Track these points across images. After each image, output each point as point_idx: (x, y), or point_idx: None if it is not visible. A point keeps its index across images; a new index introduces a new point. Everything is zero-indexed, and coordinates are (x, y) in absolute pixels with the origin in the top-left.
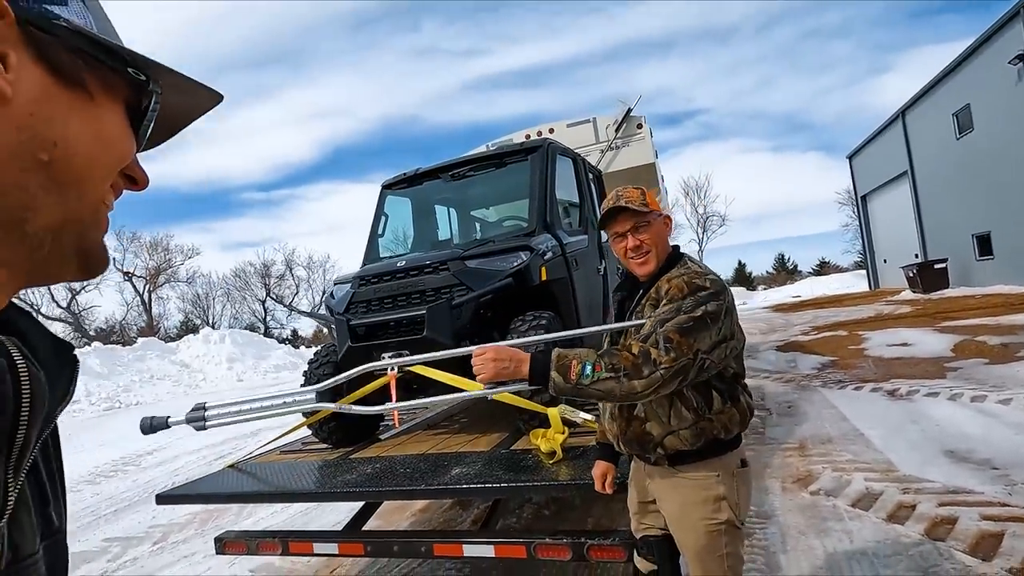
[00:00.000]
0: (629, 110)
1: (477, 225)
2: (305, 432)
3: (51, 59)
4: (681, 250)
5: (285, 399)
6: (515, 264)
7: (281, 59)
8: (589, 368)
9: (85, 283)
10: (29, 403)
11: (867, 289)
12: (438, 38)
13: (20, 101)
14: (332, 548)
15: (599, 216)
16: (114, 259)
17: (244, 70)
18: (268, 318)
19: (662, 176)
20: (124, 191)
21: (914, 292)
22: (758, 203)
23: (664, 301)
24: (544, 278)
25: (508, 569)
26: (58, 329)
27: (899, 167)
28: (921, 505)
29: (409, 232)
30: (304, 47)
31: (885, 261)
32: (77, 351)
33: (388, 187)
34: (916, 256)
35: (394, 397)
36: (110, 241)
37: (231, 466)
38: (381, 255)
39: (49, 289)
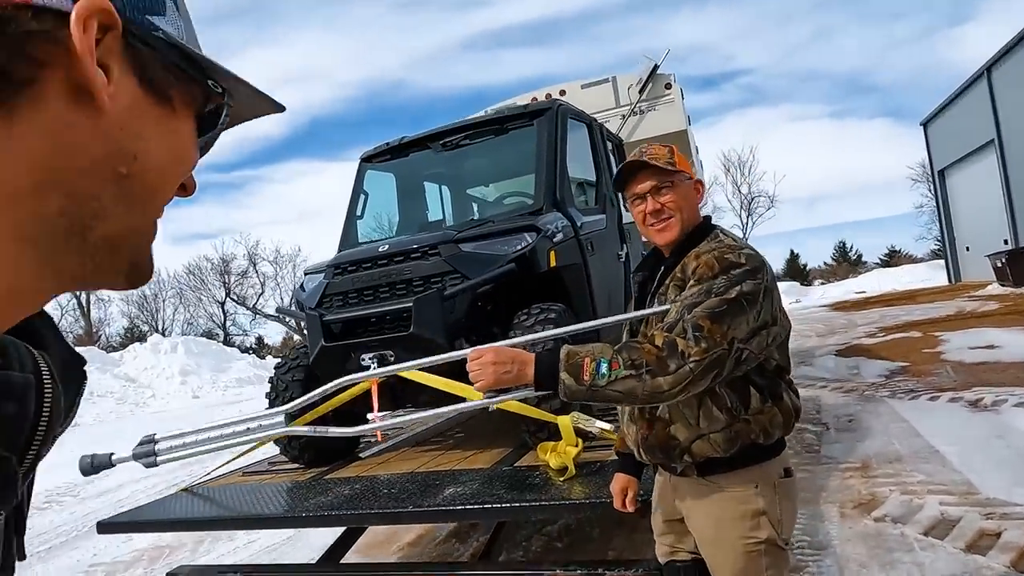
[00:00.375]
0: (655, 67)
1: (475, 205)
2: (272, 450)
3: (146, 72)
4: (714, 221)
5: (249, 424)
6: (518, 248)
7: (242, 13)
8: (605, 366)
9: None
10: (44, 428)
11: (946, 283)
12: None
13: (114, 113)
14: None
15: (615, 173)
16: None
17: (198, 25)
18: (228, 323)
19: (696, 147)
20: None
21: (1002, 285)
22: (814, 181)
23: (692, 282)
24: (553, 264)
25: None
26: None
27: (984, 135)
28: (1007, 532)
29: (394, 213)
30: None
31: (968, 249)
32: None
33: (368, 160)
34: (1005, 243)
35: (376, 407)
36: None
37: (185, 490)
38: (360, 240)
39: None
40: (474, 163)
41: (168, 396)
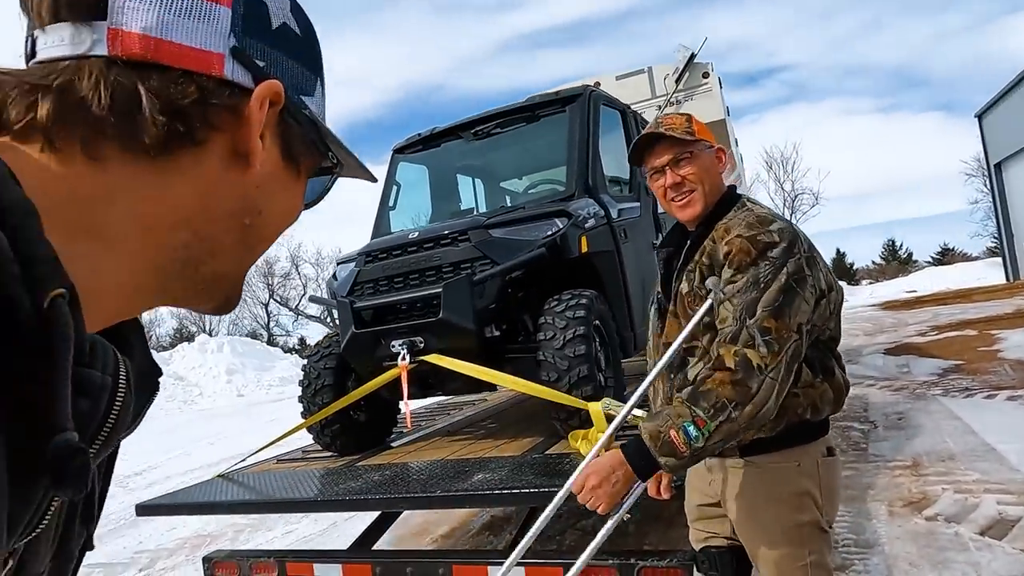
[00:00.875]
0: (692, 56)
1: (507, 198)
2: (307, 439)
3: (289, 143)
4: (739, 191)
5: None
6: (549, 233)
7: None
8: (692, 429)
9: None
10: (109, 430)
11: (1003, 281)
12: None
13: (256, 174)
14: (336, 570)
15: (631, 146)
16: None
17: None
18: (272, 324)
19: (736, 139)
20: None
21: None
22: (861, 178)
23: (729, 269)
24: (584, 250)
25: None
26: None
27: None
28: None
29: (426, 204)
30: (312, 5)
31: None
32: None
33: (400, 151)
34: None
35: (406, 393)
36: None
37: (221, 476)
38: (393, 231)
39: None
40: (506, 151)
41: (215, 394)
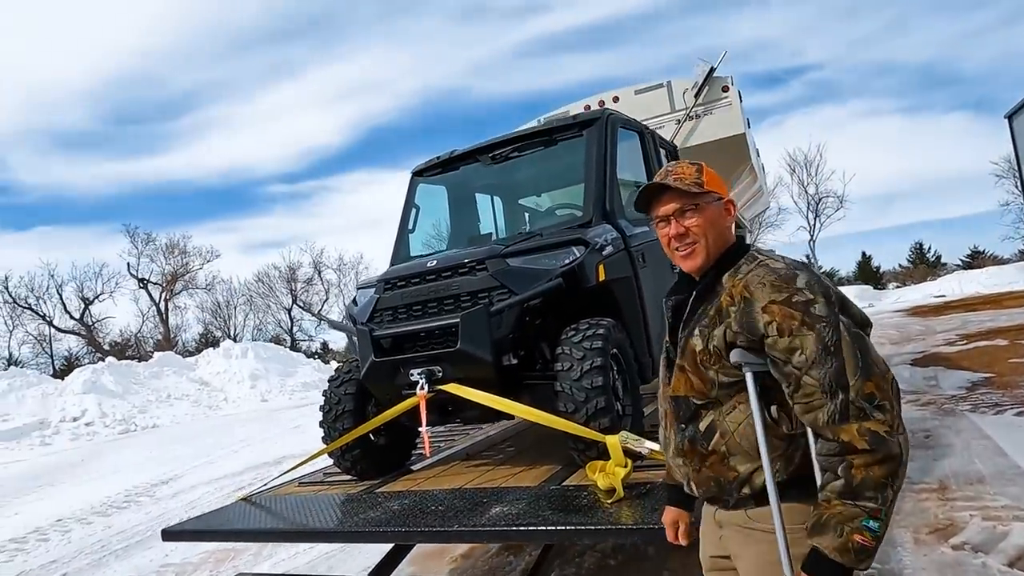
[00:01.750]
0: (712, 70)
1: (526, 216)
2: (327, 460)
3: None
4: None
5: None
6: (566, 262)
7: (307, 30)
8: (872, 523)
9: (99, 292)
10: None
11: None
12: None
13: None
14: None
15: (637, 194)
16: (128, 264)
17: (266, 45)
18: (295, 329)
19: (757, 150)
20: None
21: None
22: (887, 180)
23: (783, 339)
24: (602, 278)
25: None
26: (71, 342)
27: None
28: None
29: (445, 226)
30: (333, 14)
31: None
32: (92, 367)
33: (419, 173)
34: None
35: (424, 421)
36: (125, 244)
37: (244, 499)
38: (412, 254)
39: (62, 299)
40: (524, 175)
41: (239, 400)
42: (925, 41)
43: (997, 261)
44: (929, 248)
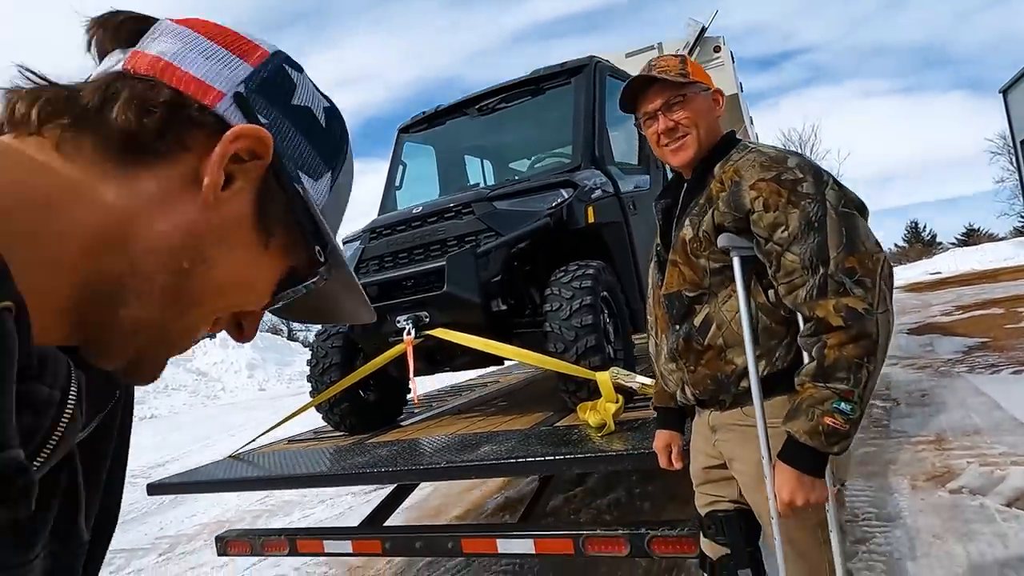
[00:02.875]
0: (703, 29)
1: (514, 169)
2: (318, 421)
3: (263, 204)
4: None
5: None
6: (554, 204)
7: (299, 19)
8: (844, 404)
9: None
10: (54, 444)
11: None
12: None
13: (214, 215)
14: (345, 546)
15: (621, 92)
16: None
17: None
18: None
19: (750, 117)
20: (223, 329)
21: None
22: (883, 160)
23: (768, 214)
24: (591, 220)
25: (559, 570)
26: None
27: None
28: None
29: (433, 183)
30: (325, 4)
31: None
32: None
33: (405, 130)
34: None
35: (411, 368)
36: None
37: (232, 456)
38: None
39: None
40: (512, 126)
41: (237, 389)
42: (920, 21)
43: (993, 239)
44: (924, 227)
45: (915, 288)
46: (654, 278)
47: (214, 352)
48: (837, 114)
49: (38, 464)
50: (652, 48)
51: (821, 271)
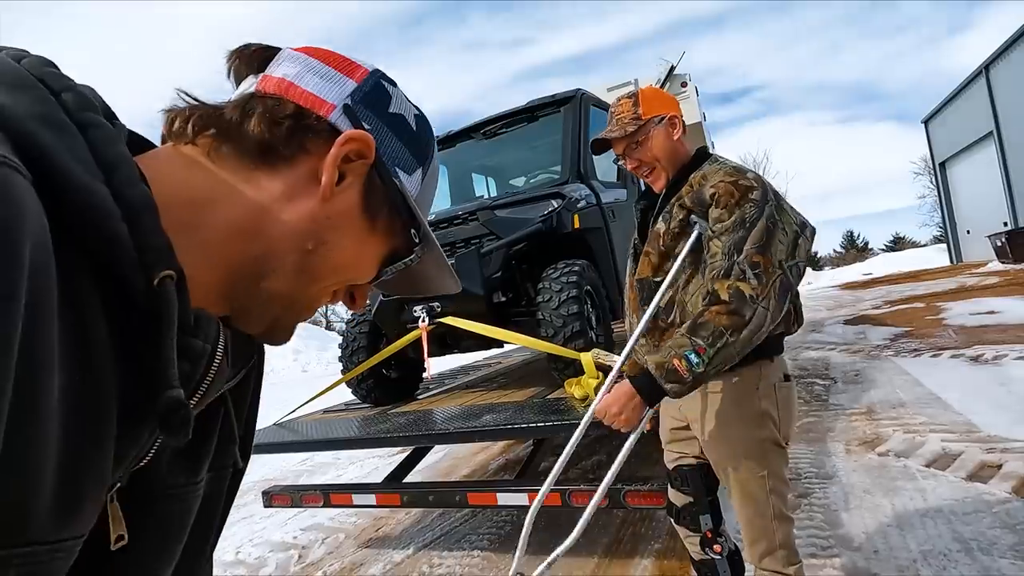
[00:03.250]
0: (672, 68)
1: (512, 184)
2: (349, 396)
3: (369, 196)
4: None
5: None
6: (546, 212)
7: None
8: (694, 356)
9: None
10: (206, 388)
11: (948, 263)
12: (485, 30)
13: (330, 206)
14: (371, 499)
15: (589, 147)
16: None
17: None
18: (329, 312)
19: (712, 142)
20: (340, 303)
21: (1003, 263)
22: (824, 180)
23: (717, 209)
24: (577, 226)
25: (548, 527)
26: None
27: (983, 128)
28: (1009, 464)
29: (446, 200)
30: (358, 47)
31: (968, 232)
32: None
33: None
34: (1005, 224)
35: (426, 351)
36: None
37: (277, 424)
38: None
39: None
40: (510, 147)
41: (283, 370)
42: (855, 63)
43: (916, 245)
44: (858, 236)
45: (850, 287)
46: (630, 267)
47: None
48: (786, 141)
49: (194, 402)
50: (629, 83)
51: (733, 258)
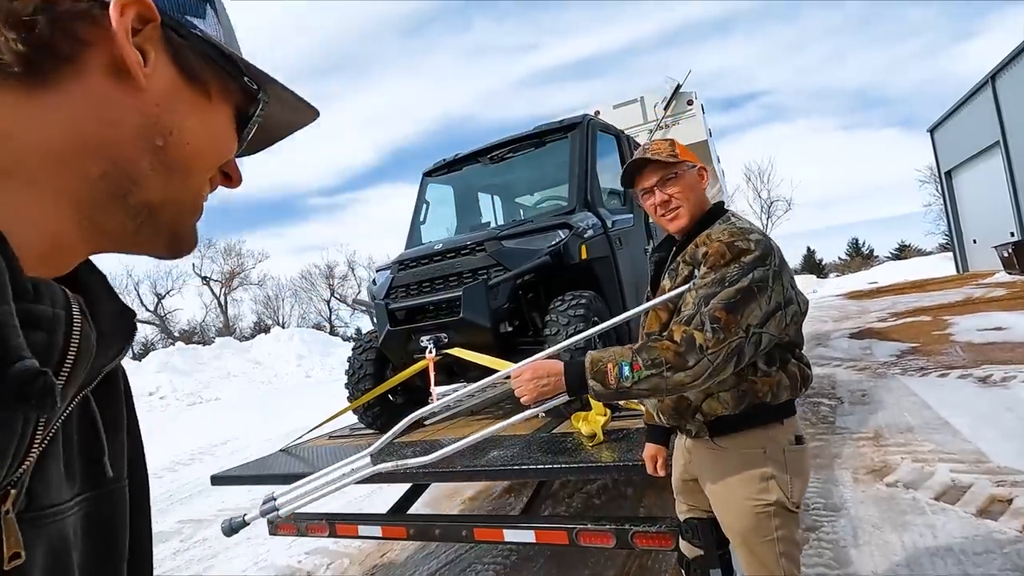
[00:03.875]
0: (678, 86)
1: (520, 209)
2: (353, 417)
3: (182, 61)
4: (726, 207)
5: (343, 470)
6: (553, 243)
7: (343, 67)
8: (627, 369)
9: (169, 288)
10: (74, 358)
11: (954, 273)
12: (490, 36)
13: (151, 92)
14: (376, 531)
15: (622, 171)
16: (193, 264)
17: (309, 80)
18: (333, 317)
19: (718, 156)
20: (220, 186)
21: (1009, 274)
22: (828, 186)
23: (704, 267)
24: (584, 256)
25: (554, 557)
26: (146, 331)
27: (989, 138)
28: (1019, 499)
29: (451, 218)
30: (364, 54)
31: (975, 241)
32: (165, 350)
33: (428, 174)
34: (1012, 234)
35: (433, 380)
36: None
37: (283, 450)
38: (423, 242)
39: (138, 293)
40: (518, 172)
41: (287, 376)
42: (859, 69)
43: (921, 253)
44: (863, 243)
45: (855, 296)
46: (642, 320)
47: (268, 345)
48: (790, 147)
49: (64, 376)
50: (635, 101)
51: (700, 308)
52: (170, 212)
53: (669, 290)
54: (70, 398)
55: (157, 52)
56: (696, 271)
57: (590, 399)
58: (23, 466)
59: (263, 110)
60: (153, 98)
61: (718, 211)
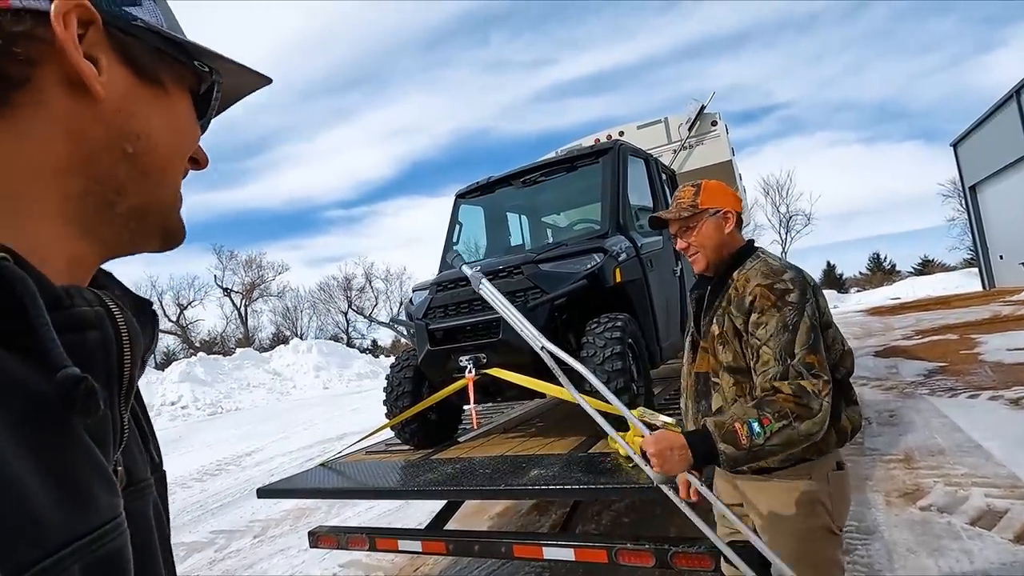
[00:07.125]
0: (703, 108)
1: (549, 231)
2: (389, 433)
3: (133, 59)
4: (756, 244)
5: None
6: (589, 266)
7: (362, 82)
8: (756, 425)
9: (192, 299)
10: (129, 344)
11: (980, 289)
12: (507, 51)
13: (110, 100)
14: (416, 545)
15: (649, 223)
16: (215, 276)
17: (329, 95)
18: (350, 329)
19: (740, 174)
20: (189, 171)
21: None
22: (848, 199)
23: (754, 314)
24: (619, 280)
25: (587, 574)
26: (169, 341)
27: (1016, 152)
28: None
29: (483, 239)
30: (383, 69)
31: (1001, 257)
32: (187, 360)
33: (462, 196)
34: None
35: (472, 399)
36: (212, 260)
37: (322, 464)
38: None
39: (161, 304)
40: (549, 196)
41: (305, 387)
42: (879, 82)
43: (945, 268)
44: (885, 258)
45: (878, 312)
46: (687, 355)
47: (287, 356)
48: (809, 161)
49: (127, 367)
50: (659, 122)
51: (787, 362)
52: (157, 212)
53: (718, 336)
54: (135, 383)
55: (108, 57)
56: (739, 320)
57: (628, 422)
58: (120, 447)
59: (218, 90)
60: (113, 105)
61: (748, 250)
